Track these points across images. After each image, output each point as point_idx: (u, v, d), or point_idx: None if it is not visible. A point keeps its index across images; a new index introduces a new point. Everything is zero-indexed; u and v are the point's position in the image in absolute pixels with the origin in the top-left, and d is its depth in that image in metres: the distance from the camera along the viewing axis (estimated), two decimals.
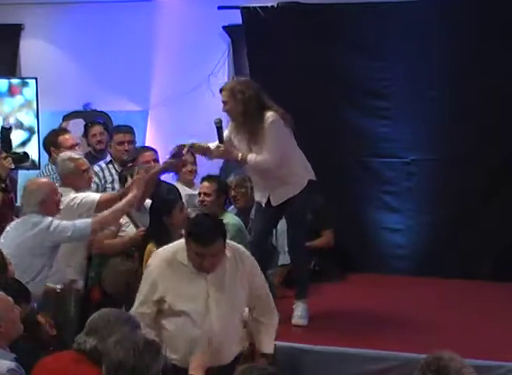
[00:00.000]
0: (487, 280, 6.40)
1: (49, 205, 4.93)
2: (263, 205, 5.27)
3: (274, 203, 5.23)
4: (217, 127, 5.12)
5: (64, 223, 4.90)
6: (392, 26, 6.75)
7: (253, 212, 6.07)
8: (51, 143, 6.25)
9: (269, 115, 5.03)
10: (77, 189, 5.54)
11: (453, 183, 6.73)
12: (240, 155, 5.07)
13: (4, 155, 5.89)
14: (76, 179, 5.56)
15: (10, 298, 3.62)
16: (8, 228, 5.00)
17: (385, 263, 6.91)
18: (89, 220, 4.98)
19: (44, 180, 5.15)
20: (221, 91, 5.15)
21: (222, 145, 5.12)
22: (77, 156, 5.79)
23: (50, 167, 6.45)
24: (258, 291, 4.22)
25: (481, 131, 6.62)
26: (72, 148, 6.16)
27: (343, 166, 7.04)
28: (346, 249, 6.82)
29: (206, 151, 5.25)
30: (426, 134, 6.79)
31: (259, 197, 5.32)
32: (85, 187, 5.61)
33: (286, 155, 5.10)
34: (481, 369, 3.96)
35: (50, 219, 4.88)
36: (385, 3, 6.81)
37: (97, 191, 6.28)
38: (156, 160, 6.34)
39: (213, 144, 5.20)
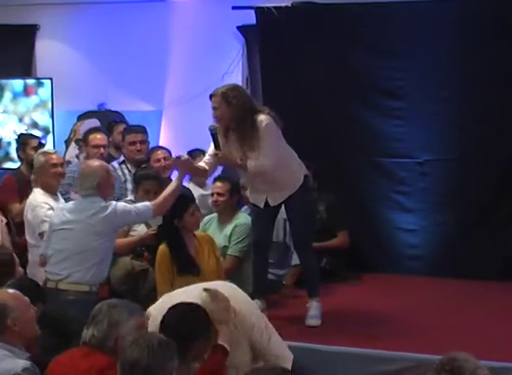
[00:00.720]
0: (502, 281, 6.36)
1: (105, 187, 4.92)
2: (261, 206, 5.26)
3: (272, 204, 5.23)
4: (212, 134, 5.06)
5: (128, 206, 4.95)
6: (406, 26, 6.74)
7: None
8: (83, 139, 6.40)
9: (262, 118, 5.00)
10: (45, 186, 5.57)
11: (467, 183, 6.71)
12: (238, 161, 5.05)
13: None
14: (42, 174, 5.59)
15: (26, 298, 3.64)
16: (64, 212, 4.94)
17: (399, 263, 6.89)
18: (149, 204, 4.99)
19: (99, 163, 5.12)
20: (211, 96, 5.08)
21: (219, 152, 5.06)
22: (51, 151, 5.89)
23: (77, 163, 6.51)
24: (257, 343, 3.83)
25: (495, 131, 6.60)
26: (96, 147, 6.24)
27: (357, 165, 7.03)
28: (360, 249, 6.81)
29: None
30: (440, 135, 6.78)
31: (256, 200, 5.29)
32: (53, 183, 5.61)
33: (282, 157, 5.09)
34: (497, 370, 3.95)
35: (114, 202, 4.92)
36: (400, 3, 6.81)
37: None
38: (167, 158, 6.37)
39: (209, 151, 5.18)
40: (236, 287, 4.13)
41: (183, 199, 5.23)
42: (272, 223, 5.40)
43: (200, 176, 6.07)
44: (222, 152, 5.06)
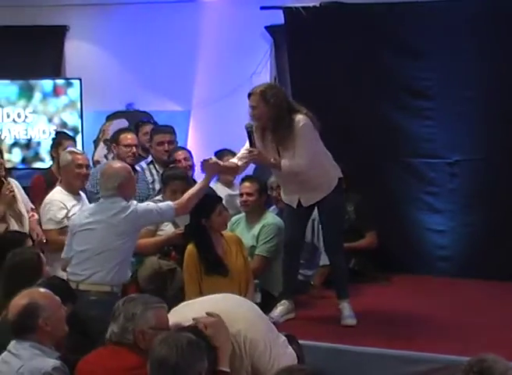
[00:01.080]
0: None
1: (127, 188, 4.93)
2: (294, 206, 5.24)
3: (305, 204, 5.21)
4: (248, 132, 5.06)
5: (150, 205, 4.99)
6: (435, 25, 6.71)
7: None
8: (114, 140, 6.41)
9: (300, 118, 4.99)
10: (67, 185, 5.59)
11: (497, 183, 6.66)
12: (272, 160, 5.03)
13: None
14: (67, 172, 5.60)
15: (57, 298, 3.66)
16: (86, 214, 4.97)
17: (428, 264, 6.86)
18: (171, 203, 5.01)
19: (121, 164, 5.15)
20: (249, 95, 5.06)
21: (254, 150, 5.04)
22: (79, 151, 5.91)
23: (103, 163, 6.53)
24: (260, 366, 3.55)
25: None
26: (127, 146, 6.22)
27: (386, 166, 7.00)
28: (389, 250, 6.78)
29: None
30: (469, 135, 6.73)
31: (289, 200, 5.28)
32: (76, 183, 5.63)
33: (317, 157, 5.07)
34: None
35: (135, 202, 4.93)
36: (429, 2, 6.77)
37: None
38: (187, 159, 6.37)
39: (243, 149, 5.16)
40: (246, 303, 3.89)
41: (210, 199, 5.23)
42: (304, 223, 5.39)
43: (230, 175, 6.05)
44: (259, 151, 5.04)
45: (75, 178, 5.61)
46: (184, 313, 3.60)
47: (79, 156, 5.70)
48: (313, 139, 5.06)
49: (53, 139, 7.02)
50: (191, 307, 3.74)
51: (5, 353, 3.47)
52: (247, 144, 5.13)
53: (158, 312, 3.47)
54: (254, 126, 5.09)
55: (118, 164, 5.12)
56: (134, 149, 6.27)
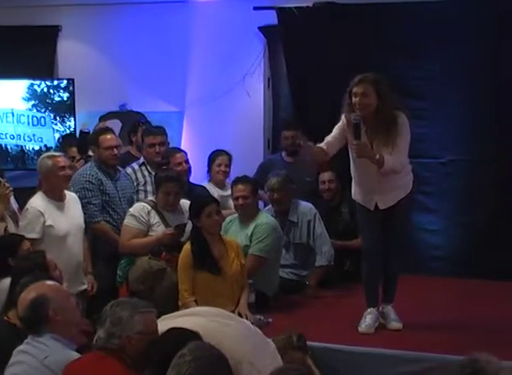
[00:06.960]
0: None
1: None
2: (371, 209, 5.00)
3: (383, 206, 4.98)
4: (356, 124, 4.76)
5: None
6: (428, 25, 6.73)
7: (294, 213, 6.08)
8: (92, 142, 6.24)
9: (403, 116, 4.84)
10: (50, 191, 5.48)
11: (490, 183, 6.68)
12: (377, 156, 4.74)
13: (78, 157, 6.41)
14: (50, 177, 5.48)
15: (66, 289, 3.66)
16: None
17: (421, 264, 6.86)
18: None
19: None
20: (359, 82, 4.79)
21: (361, 142, 4.76)
22: (57, 154, 5.79)
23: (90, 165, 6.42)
24: None
25: None
26: (109, 148, 6.01)
27: None
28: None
29: (323, 154, 4.98)
30: (463, 135, 6.75)
31: (365, 201, 5.03)
32: (61, 186, 5.55)
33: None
34: None
35: None
36: (422, 2, 6.78)
37: None
38: (187, 161, 6.34)
39: (332, 134, 4.93)
40: (231, 321, 3.72)
41: (199, 200, 5.33)
42: (381, 226, 5.06)
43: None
44: (364, 143, 4.78)
45: (60, 181, 5.49)
46: (166, 326, 3.47)
47: (59, 159, 5.55)
48: (408, 140, 4.91)
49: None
50: (173, 321, 3.61)
51: (22, 345, 3.47)
52: (336, 131, 4.90)
53: (145, 317, 3.37)
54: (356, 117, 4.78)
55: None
56: (116, 150, 6.05)
